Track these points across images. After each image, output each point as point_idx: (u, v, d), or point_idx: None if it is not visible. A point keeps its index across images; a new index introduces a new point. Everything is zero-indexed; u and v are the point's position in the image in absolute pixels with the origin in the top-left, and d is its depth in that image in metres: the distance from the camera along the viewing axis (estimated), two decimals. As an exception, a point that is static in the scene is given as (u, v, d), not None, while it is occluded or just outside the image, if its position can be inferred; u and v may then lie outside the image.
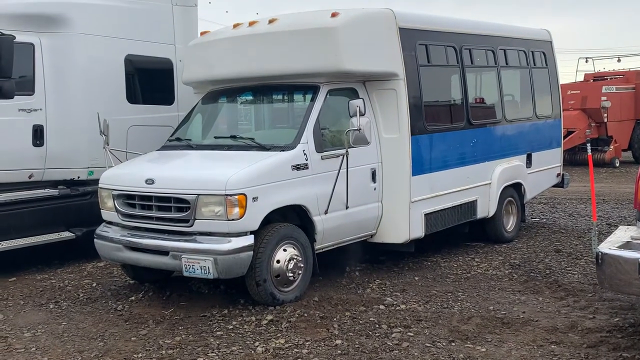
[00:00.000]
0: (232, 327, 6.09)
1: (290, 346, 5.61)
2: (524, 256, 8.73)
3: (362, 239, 7.76)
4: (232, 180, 6.22)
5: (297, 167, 6.71)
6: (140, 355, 5.51)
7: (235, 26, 7.91)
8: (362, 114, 6.74)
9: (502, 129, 9.49)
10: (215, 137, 7.44)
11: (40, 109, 8.14)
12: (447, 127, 8.48)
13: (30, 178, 8.18)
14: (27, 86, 8.04)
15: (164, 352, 5.55)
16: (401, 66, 7.63)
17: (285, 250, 6.60)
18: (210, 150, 7.19)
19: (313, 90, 7.20)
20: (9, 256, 8.00)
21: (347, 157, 6.89)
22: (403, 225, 7.76)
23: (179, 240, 6.44)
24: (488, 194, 9.14)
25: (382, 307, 6.60)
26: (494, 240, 9.46)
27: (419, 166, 7.88)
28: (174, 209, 6.49)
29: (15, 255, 8.09)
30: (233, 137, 7.23)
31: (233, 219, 6.20)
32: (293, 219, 6.89)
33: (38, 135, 8.11)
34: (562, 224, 11.01)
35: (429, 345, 5.60)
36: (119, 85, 8.83)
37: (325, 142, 7.10)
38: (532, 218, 11.60)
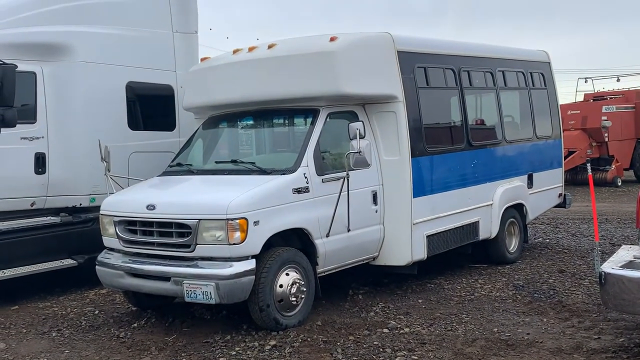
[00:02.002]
0: (235, 352, 6.06)
1: None
2: (527, 277, 8.71)
3: (365, 261, 7.74)
4: (233, 205, 6.22)
5: (298, 191, 6.72)
6: None
7: (235, 52, 7.98)
8: (362, 137, 6.76)
9: (502, 150, 9.51)
10: (216, 162, 7.47)
11: (42, 137, 8.18)
12: (447, 148, 8.50)
13: (32, 206, 8.18)
14: (29, 115, 8.09)
15: None
16: (400, 89, 7.67)
17: (287, 274, 6.59)
18: (211, 175, 7.22)
19: (313, 113, 7.23)
20: (11, 284, 7.99)
21: (347, 180, 6.89)
22: (405, 248, 7.75)
23: (180, 266, 6.43)
24: (490, 214, 9.13)
25: (385, 330, 6.56)
26: (497, 261, 9.43)
27: (420, 188, 7.89)
28: (175, 234, 6.48)
29: (17, 283, 8.07)
30: (234, 161, 7.25)
31: (234, 244, 6.19)
32: (295, 243, 6.88)
33: (40, 163, 8.14)
34: (565, 244, 10.99)
35: None
36: (121, 112, 8.89)
37: (326, 165, 7.12)
38: (535, 238, 11.57)
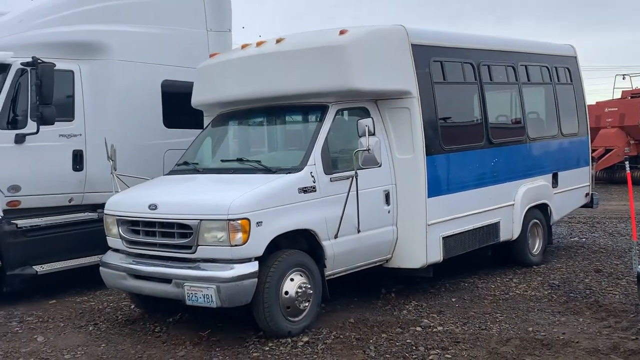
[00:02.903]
0: (268, 348, 6.04)
1: None
2: (563, 276, 8.53)
3: (377, 264, 7.44)
4: (235, 205, 5.98)
5: (304, 190, 6.45)
6: None
7: (243, 47, 7.74)
8: (371, 134, 6.48)
9: (525, 148, 9.12)
10: (222, 161, 7.23)
11: (80, 135, 8.32)
12: (465, 146, 8.14)
13: (70, 202, 8.32)
14: (67, 112, 8.23)
15: None
16: (414, 84, 7.35)
17: (293, 279, 6.32)
18: (216, 174, 6.98)
19: (321, 110, 6.95)
20: (49, 279, 8.08)
21: (356, 179, 6.61)
22: (419, 250, 7.43)
23: (181, 268, 6.21)
24: (511, 215, 8.77)
25: (418, 328, 6.50)
26: (519, 264, 9.07)
27: (436, 187, 7.56)
28: (176, 235, 6.27)
29: (55, 278, 8.14)
30: (239, 160, 7.01)
31: (236, 245, 5.95)
32: (302, 244, 6.62)
33: (78, 160, 8.28)
34: (602, 243, 10.75)
35: None
36: (156, 110, 9.01)
37: (335, 164, 6.83)
38: (571, 237, 11.40)
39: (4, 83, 7.77)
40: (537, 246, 9.38)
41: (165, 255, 6.39)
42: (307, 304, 6.41)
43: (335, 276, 6.95)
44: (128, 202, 6.80)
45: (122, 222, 6.69)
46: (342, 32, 6.96)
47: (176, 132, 9.12)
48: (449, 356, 5.73)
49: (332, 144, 6.88)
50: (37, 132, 7.71)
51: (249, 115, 7.66)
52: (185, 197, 6.59)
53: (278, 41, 7.37)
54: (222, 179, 6.80)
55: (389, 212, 7.31)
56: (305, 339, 6.20)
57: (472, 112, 8.50)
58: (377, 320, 6.77)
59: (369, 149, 6.44)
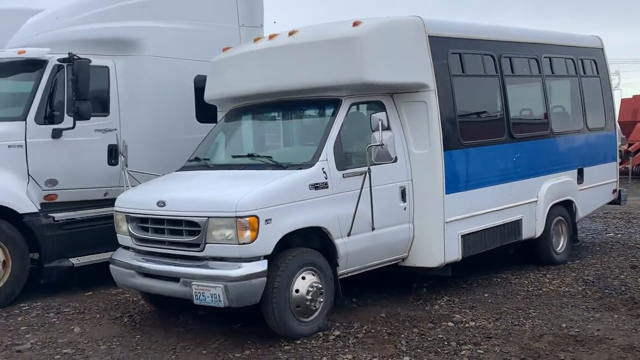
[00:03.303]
0: (299, 341, 6.04)
1: None
2: (597, 272, 8.41)
3: (393, 262, 7.23)
4: (243, 202, 5.81)
5: (316, 187, 6.26)
6: None
7: (256, 40, 7.57)
8: (385, 128, 6.26)
9: (548, 143, 8.82)
10: (233, 157, 7.04)
11: (115, 129, 8.39)
12: (485, 141, 7.88)
13: (105, 196, 8.35)
14: (102, 108, 8.36)
15: None
16: (431, 77, 7.11)
17: (304, 277, 6.14)
18: (227, 170, 6.80)
19: (334, 104, 6.74)
20: (85, 271, 8.20)
21: (369, 175, 6.40)
22: (437, 248, 7.20)
23: (189, 266, 6.06)
24: (534, 212, 8.48)
25: (450, 324, 6.47)
26: (543, 262, 8.79)
27: (454, 183, 7.32)
28: (185, 233, 6.12)
29: (91, 270, 8.22)
30: (250, 155, 6.83)
31: (244, 243, 5.78)
32: (314, 242, 6.44)
33: (113, 154, 8.33)
34: (638, 240, 10.53)
35: None
36: (189, 105, 9.02)
37: (348, 159, 6.62)
38: (606, 233, 11.22)
39: (41, 79, 7.91)
40: (561, 244, 9.09)
41: (173, 253, 6.24)
42: (318, 304, 6.22)
43: (349, 275, 6.75)
44: (137, 198, 6.68)
45: (131, 219, 6.57)
46: (355, 24, 6.75)
47: (209, 126, 8.91)
48: (481, 351, 5.70)
49: (346, 139, 6.68)
50: (73, 127, 7.81)
51: (261, 109, 7.48)
52: (194, 193, 6.45)
53: (291, 33, 7.18)
54: (231, 175, 6.63)
55: (404, 209, 7.08)
56: (337, 332, 6.21)
57: (493, 106, 8.22)
58: (409, 315, 6.77)
59: (383, 144, 6.23)
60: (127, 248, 6.79)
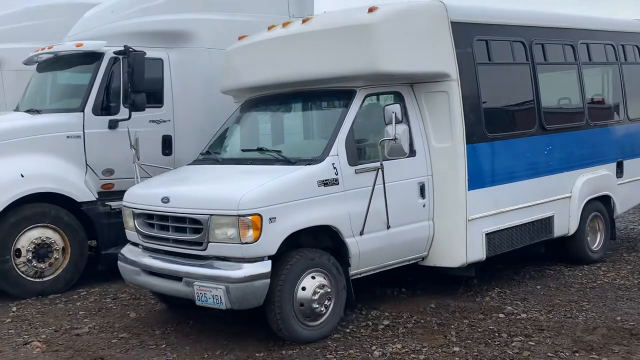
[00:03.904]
0: (349, 330, 6.11)
1: (407, 351, 5.59)
2: None
3: (411, 262, 6.87)
4: (246, 199, 5.52)
5: (325, 183, 5.93)
6: (261, 354, 5.63)
7: (269, 28, 7.24)
8: (399, 121, 5.89)
9: (584, 135, 8.28)
10: (243, 150, 6.77)
11: (169, 120, 8.57)
12: (513, 133, 7.42)
13: None
14: (156, 99, 8.52)
15: (284, 352, 5.64)
16: (454, 65, 6.69)
17: (313, 277, 5.83)
18: (235, 165, 6.52)
19: (348, 95, 6.39)
20: None
21: (382, 171, 6.04)
22: (459, 247, 6.80)
23: (193, 265, 5.81)
24: (568, 208, 8.00)
25: (501, 315, 6.44)
26: (576, 261, 8.30)
27: (478, 179, 6.90)
28: (188, 230, 5.87)
29: None
30: (260, 150, 6.53)
31: (247, 243, 5.50)
32: (325, 241, 6.12)
33: (167, 144, 8.56)
34: None
35: (551, 355, 5.42)
36: None
37: (362, 154, 6.28)
38: None
39: (98, 71, 8.12)
40: (597, 242, 8.58)
41: (178, 251, 6.01)
42: (327, 307, 5.91)
43: (362, 276, 6.42)
44: (143, 193, 6.46)
45: (138, 214, 6.35)
46: (371, 10, 6.36)
47: None
48: (533, 343, 5.65)
49: (360, 133, 6.33)
50: (129, 118, 7.98)
51: (274, 101, 7.17)
52: (197, 190, 6.19)
53: (304, 21, 6.84)
54: (238, 171, 6.35)
55: (424, 206, 6.70)
56: (386, 322, 6.24)
57: (523, 96, 7.70)
58: (459, 306, 6.74)
59: (396, 138, 5.86)
60: (135, 245, 6.59)
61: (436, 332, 6.02)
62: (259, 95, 7.25)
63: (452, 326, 6.14)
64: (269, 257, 5.62)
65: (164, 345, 5.95)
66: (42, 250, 7.69)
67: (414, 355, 5.48)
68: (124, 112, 8.04)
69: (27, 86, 9.12)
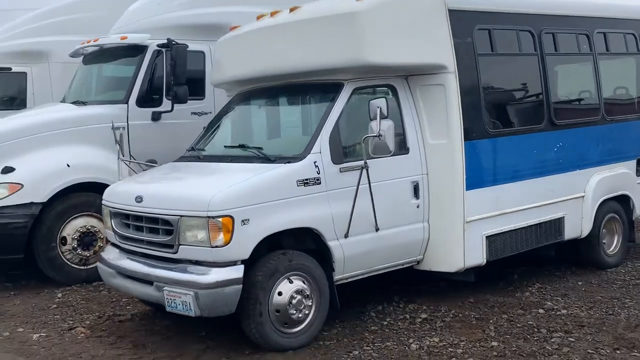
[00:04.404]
0: (386, 323, 6.13)
1: (444, 345, 5.56)
2: None
3: (404, 266, 6.46)
4: (216, 200, 5.18)
5: (305, 183, 5.55)
6: None
7: (258, 18, 6.88)
8: (384, 117, 5.47)
9: (600, 130, 7.73)
10: (225, 147, 6.41)
11: (210, 112, 8.52)
12: (519, 129, 6.95)
13: None
14: (198, 91, 8.63)
15: (322, 343, 5.65)
16: (451, 57, 6.25)
17: (291, 282, 5.48)
18: (215, 163, 6.18)
19: (335, 88, 6.00)
20: None
21: (367, 170, 5.64)
22: (456, 251, 6.38)
23: (163, 269, 5.51)
24: (580, 209, 7.49)
25: (541, 311, 6.38)
26: (590, 265, 7.79)
27: (478, 178, 6.46)
28: (161, 232, 5.56)
29: None
30: (242, 146, 6.17)
31: (217, 246, 5.17)
32: (309, 244, 5.76)
33: None
34: None
35: (591, 351, 5.35)
36: None
37: (348, 152, 5.88)
38: None
39: (141, 64, 8.28)
40: (614, 245, 8.03)
41: (151, 254, 5.70)
42: (306, 314, 5.55)
43: (349, 281, 6.04)
44: (120, 192, 6.17)
45: (114, 214, 6.07)
46: (359, -3, 5.96)
47: None
48: (572, 340, 5.59)
49: (347, 129, 5.94)
50: (171, 110, 8.14)
51: (262, 95, 6.79)
52: (170, 189, 5.87)
53: (292, 10, 6.46)
54: (215, 169, 6.02)
55: (418, 206, 6.29)
56: (424, 315, 6.23)
57: (530, 90, 7.22)
58: (498, 300, 6.68)
59: (380, 135, 5.45)
60: (115, 246, 6.31)
61: (474, 326, 5.99)
62: (248, 89, 6.90)
63: (491, 321, 6.10)
64: (243, 262, 5.27)
65: (203, 334, 5.92)
66: (86, 239, 7.85)
67: (451, 349, 5.45)
68: (166, 104, 8.18)
69: (73, 78, 9.29)
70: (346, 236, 5.75)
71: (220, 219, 5.12)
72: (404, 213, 6.21)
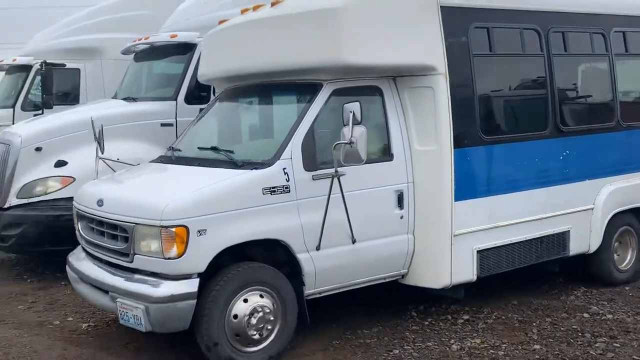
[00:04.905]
0: (427, 323, 6.14)
1: (486, 347, 5.55)
2: None
3: (387, 280, 6.05)
4: (170, 208, 4.85)
5: (272, 191, 5.18)
6: (339, 342, 5.70)
7: (243, 12, 6.50)
8: (357, 122, 5.05)
9: (614, 137, 7.14)
10: (199, 149, 6.06)
11: None
12: (518, 136, 6.43)
13: None
14: None
15: (362, 341, 5.73)
16: (441, 57, 5.78)
17: (246, 300, 5.11)
18: (183, 165, 5.84)
19: (313, 90, 5.59)
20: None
21: (338, 179, 5.23)
22: (442, 266, 5.93)
23: (119, 278, 5.20)
24: (589, 222, 6.95)
25: (586, 315, 6.32)
26: (599, 281, 7.24)
27: (469, 188, 5.99)
28: (119, 239, 5.25)
29: None
30: (213, 149, 5.80)
31: (170, 258, 4.84)
32: (281, 255, 5.39)
33: None
34: None
35: (636, 357, 5.32)
36: None
37: (324, 158, 5.44)
38: None
39: (190, 62, 8.39)
40: (627, 260, 7.46)
41: (111, 261, 5.41)
42: (268, 331, 5.19)
43: (323, 295, 5.65)
44: (86, 193, 5.89)
45: (80, 216, 5.81)
46: (341, -9, 5.53)
47: None
48: (617, 345, 5.55)
49: (324, 133, 5.53)
50: None
51: (241, 94, 6.43)
52: (129, 193, 5.54)
53: (273, 4, 6.07)
54: (179, 173, 5.69)
55: (401, 217, 5.86)
56: (466, 317, 6.21)
57: (533, 93, 6.69)
58: (542, 303, 6.63)
59: (352, 142, 5.03)
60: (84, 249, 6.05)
61: (517, 329, 5.96)
62: (231, 87, 6.55)
63: (534, 324, 6.06)
64: (200, 275, 4.93)
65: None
66: None
67: (492, 351, 5.44)
68: None
69: (124, 75, 9.45)
70: (318, 248, 5.36)
71: (173, 229, 4.79)
72: (386, 224, 5.79)
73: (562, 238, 6.75)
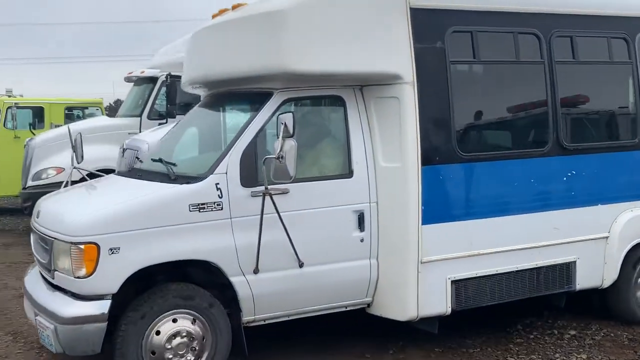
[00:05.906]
0: (532, 336, 6.09)
1: None
2: None
3: (349, 308, 5.50)
4: (80, 224, 4.56)
5: (201, 207, 4.77)
6: (441, 350, 5.72)
7: (214, 16, 6.15)
8: (288, 135, 4.58)
9: (632, 157, 6.29)
10: (152, 160, 5.72)
11: None
12: (508, 153, 5.73)
13: None
14: None
15: (465, 350, 5.72)
16: (409, 64, 5.21)
17: (175, 321, 4.74)
18: (127, 178, 5.54)
19: (261, 99, 5.16)
20: None
21: (271, 196, 4.77)
22: (407, 296, 5.34)
23: (42, 294, 4.96)
24: (602, 252, 6.15)
25: None
26: (617, 318, 6.41)
27: (441, 210, 5.38)
28: (47, 253, 4.99)
29: None
30: (160, 161, 5.45)
31: (79, 277, 4.54)
32: (221, 278, 4.98)
33: None
34: None
35: None
36: None
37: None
38: None
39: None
40: (654, 298, 6.55)
41: (45, 276, 5.17)
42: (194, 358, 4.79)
43: (266, 322, 5.18)
44: (38, 204, 5.70)
45: (32, 227, 5.63)
46: (291, -7, 5.07)
47: None
48: None
49: (272, 147, 5.07)
50: None
51: (204, 104, 6.09)
52: (58, 207, 5.25)
53: (234, 7, 5.69)
54: (115, 186, 5.39)
55: (362, 240, 5.30)
56: (573, 332, 6.14)
57: (527, 106, 5.94)
58: None
59: (281, 157, 4.56)
60: None
61: (626, 346, 5.86)
62: (205, 95, 6.23)
63: None
64: (114, 296, 4.60)
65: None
66: None
67: None
68: None
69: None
70: (256, 272, 4.91)
71: (82, 246, 4.48)
72: (343, 247, 5.26)
73: (566, 269, 5.98)
